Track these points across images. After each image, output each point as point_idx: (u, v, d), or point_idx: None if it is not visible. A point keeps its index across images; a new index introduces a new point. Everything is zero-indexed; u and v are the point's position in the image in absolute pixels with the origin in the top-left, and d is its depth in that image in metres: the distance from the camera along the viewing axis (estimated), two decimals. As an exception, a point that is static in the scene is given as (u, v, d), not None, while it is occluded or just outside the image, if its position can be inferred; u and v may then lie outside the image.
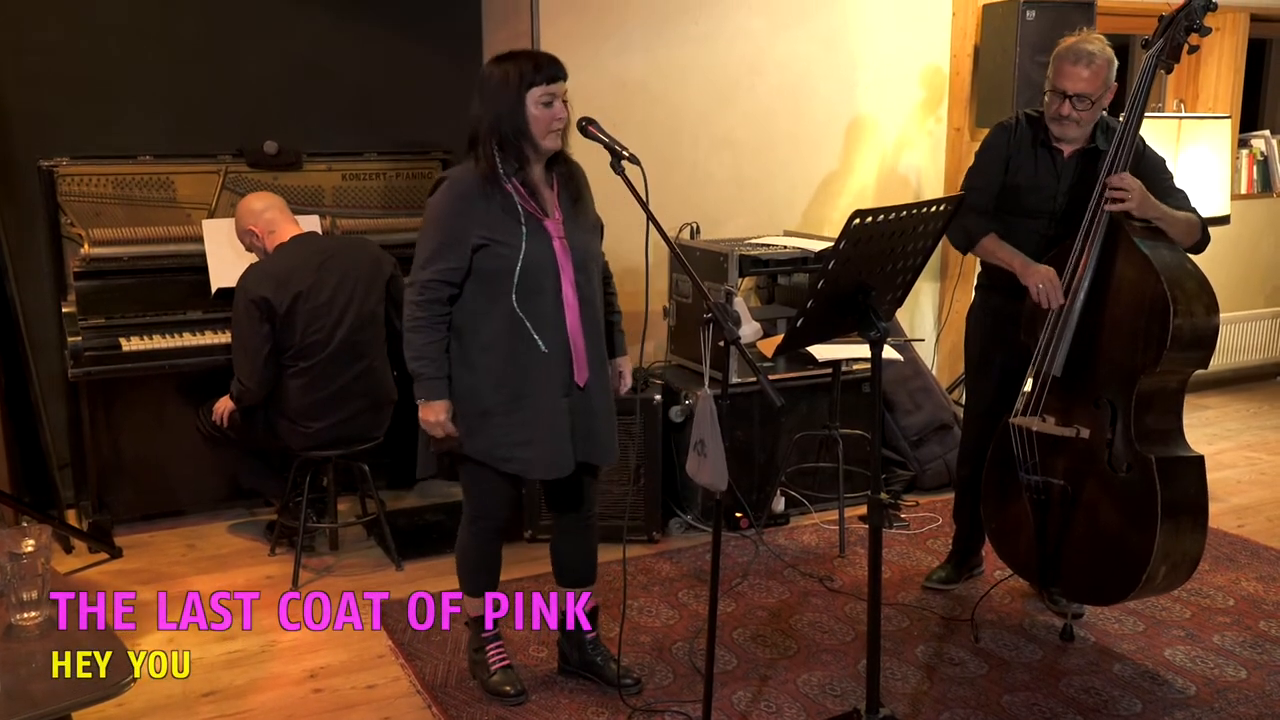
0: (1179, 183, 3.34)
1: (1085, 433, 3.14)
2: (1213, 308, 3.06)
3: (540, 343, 2.75)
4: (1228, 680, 3.16)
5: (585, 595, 3.11)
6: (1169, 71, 3.18)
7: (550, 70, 2.71)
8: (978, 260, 3.50)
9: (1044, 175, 3.32)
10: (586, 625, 3.12)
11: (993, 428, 3.41)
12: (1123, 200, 3.05)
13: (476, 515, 2.97)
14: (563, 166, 2.83)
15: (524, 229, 2.72)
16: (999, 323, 3.43)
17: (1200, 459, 3.14)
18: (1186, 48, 3.13)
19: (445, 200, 2.75)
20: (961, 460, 3.70)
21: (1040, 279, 3.15)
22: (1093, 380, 3.13)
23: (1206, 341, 3.06)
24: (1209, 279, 3.10)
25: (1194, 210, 3.24)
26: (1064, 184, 3.30)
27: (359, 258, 3.75)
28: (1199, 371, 3.17)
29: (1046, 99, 3.25)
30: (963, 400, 3.86)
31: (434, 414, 2.78)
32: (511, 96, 2.69)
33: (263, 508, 4.27)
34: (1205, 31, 3.10)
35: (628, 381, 3.08)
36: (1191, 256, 3.16)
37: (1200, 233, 3.19)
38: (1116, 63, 3.20)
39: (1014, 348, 3.37)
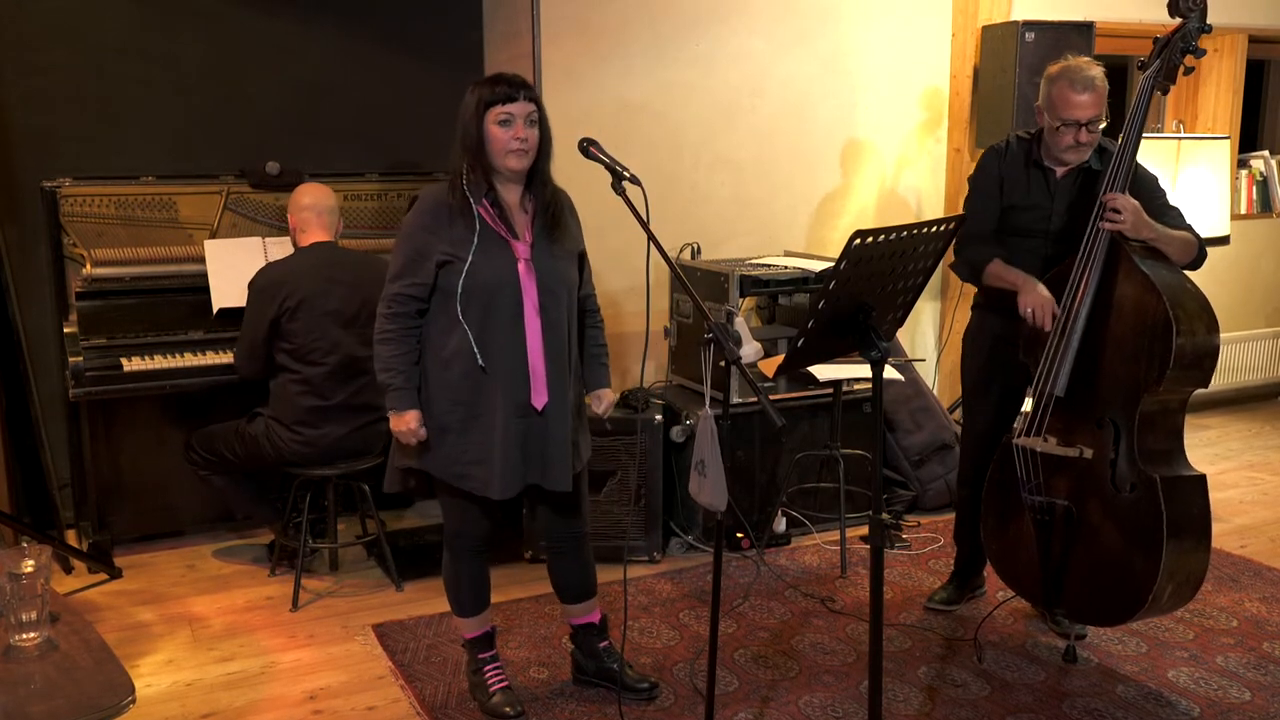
0: (1179, 203, 3.35)
1: (1088, 453, 3.14)
2: (1213, 326, 3.07)
3: (479, 356, 2.76)
4: (1231, 702, 3.14)
5: (589, 611, 3.15)
6: (1165, 93, 3.21)
7: (505, 90, 2.74)
8: None
9: (1038, 195, 3.34)
10: (592, 620, 3.15)
11: (993, 448, 3.40)
12: (1117, 221, 3.07)
13: (454, 534, 2.99)
14: (540, 190, 2.84)
15: (474, 244, 2.73)
16: (998, 343, 3.44)
17: (1203, 477, 3.14)
18: (1182, 69, 3.16)
19: (414, 217, 2.82)
20: (961, 481, 3.69)
21: (1032, 303, 3.16)
22: (1095, 400, 3.13)
23: (1208, 360, 3.07)
24: (1209, 299, 3.11)
25: (1189, 227, 3.25)
26: (1058, 204, 3.32)
27: (370, 275, 3.77)
28: (1200, 391, 3.18)
29: (1056, 130, 3.22)
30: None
31: (403, 424, 2.81)
32: (471, 117, 2.76)
33: (262, 528, 4.25)
34: (1200, 53, 3.13)
35: (601, 407, 3.06)
36: (1191, 275, 3.17)
37: (1197, 250, 3.21)
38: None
39: (1014, 367, 3.37)
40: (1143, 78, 3.17)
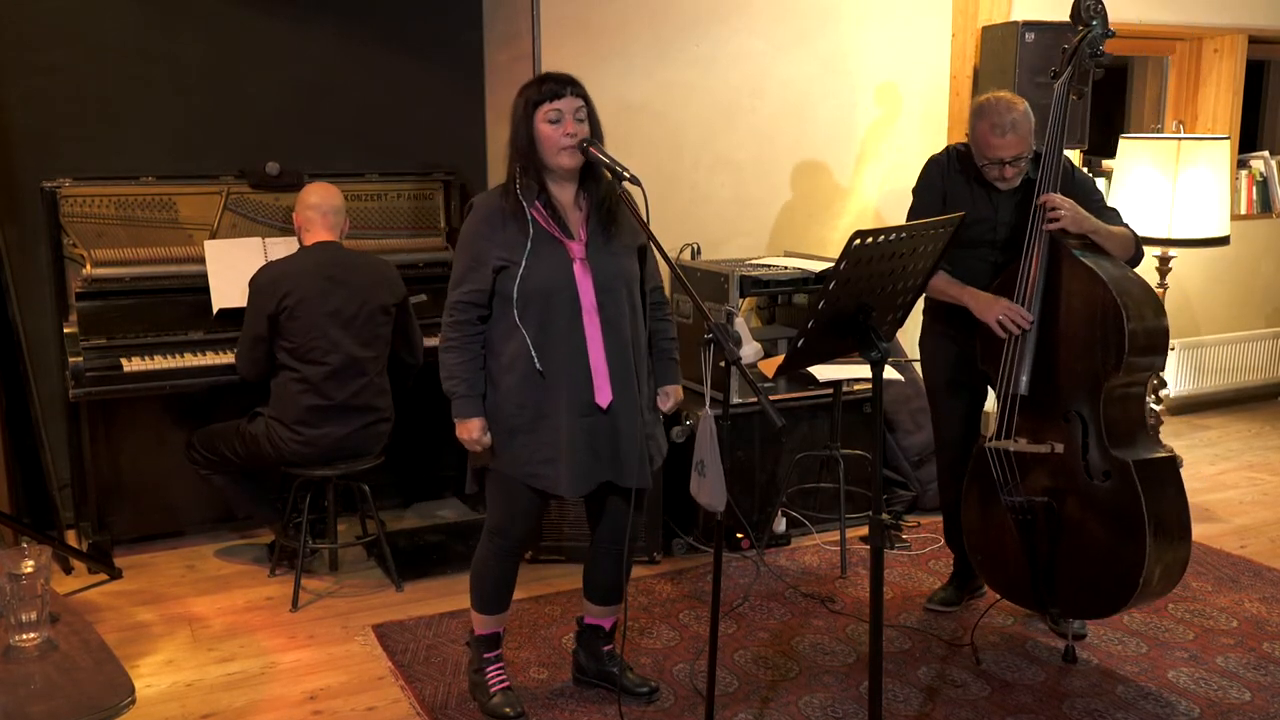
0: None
1: (1059, 447, 3.19)
2: (1160, 310, 3.18)
3: (536, 360, 2.76)
4: (1231, 702, 3.14)
5: (609, 615, 3.15)
6: (1080, 97, 3.38)
7: (552, 87, 2.75)
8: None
9: (981, 208, 3.39)
10: (605, 623, 3.15)
11: (968, 451, 3.43)
12: (1057, 218, 3.15)
13: (494, 531, 2.97)
14: (594, 187, 2.84)
15: (528, 248, 2.74)
16: (959, 345, 3.47)
17: (1173, 457, 3.21)
18: (1092, 73, 3.31)
19: (470, 224, 2.83)
20: (943, 485, 3.69)
21: (998, 312, 3.22)
22: (1058, 395, 3.19)
23: (1160, 344, 3.17)
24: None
25: (1127, 225, 3.36)
26: (1002, 215, 3.38)
27: (373, 276, 3.77)
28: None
29: (982, 166, 3.33)
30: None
31: (467, 432, 2.83)
32: (522, 119, 2.77)
33: (262, 529, 4.25)
34: (1106, 57, 3.28)
35: (667, 405, 3.03)
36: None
37: (1135, 247, 3.32)
38: (1031, 111, 3.29)
39: (974, 368, 3.42)
40: (1056, 85, 3.29)
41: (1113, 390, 3.13)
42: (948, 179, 3.45)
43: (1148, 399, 3.43)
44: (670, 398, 3.03)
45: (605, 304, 2.80)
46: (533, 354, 2.77)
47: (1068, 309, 3.17)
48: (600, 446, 2.84)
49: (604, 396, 2.81)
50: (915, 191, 3.53)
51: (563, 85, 2.75)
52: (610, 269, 2.82)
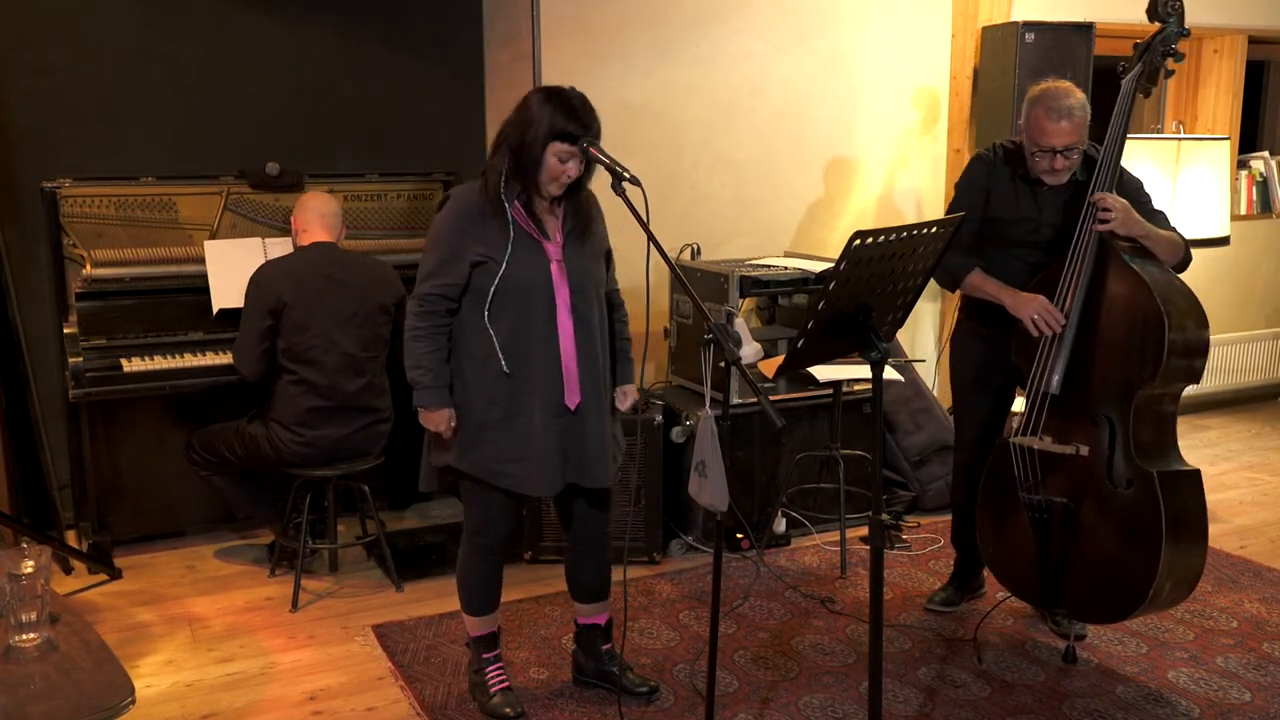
0: (1179, 204, 3.36)
1: (1084, 450, 3.16)
2: (1203, 321, 3.12)
3: (504, 362, 2.77)
4: (1231, 703, 3.14)
5: (599, 612, 3.15)
6: (1147, 95, 3.29)
7: (578, 130, 2.71)
8: None
9: (1026, 208, 3.35)
10: (599, 620, 3.15)
11: (986, 450, 3.41)
12: (1108, 219, 3.10)
13: (474, 531, 2.99)
14: (575, 194, 2.86)
15: (509, 247, 2.75)
16: (988, 345, 3.45)
17: (1197, 472, 3.16)
18: (1163, 72, 3.23)
19: (447, 217, 2.83)
20: (957, 484, 3.68)
21: (1033, 310, 3.18)
22: (1089, 397, 3.15)
23: (1199, 354, 3.12)
24: (1209, 299, 3.12)
25: (1175, 229, 3.30)
26: (1046, 215, 3.33)
27: (370, 276, 3.77)
28: (1200, 392, 3.20)
29: (1034, 156, 3.25)
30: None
31: (434, 423, 2.84)
32: (537, 136, 2.72)
33: (262, 529, 4.25)
34: (1179, 57, 3.21)
35: (625, 404, 3.06)
36: (1190, 274, 3.18)
37: (1183, 252, 3.25)
38: (1088, 101, 3.25)
39: (1004, 368, 3.39)
40: (1124, 81, 3.23)
41: (1145, 399, 3.08)
42: (993, 176, 3.38)
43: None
44: (628, 397, 3.07)
45: (579, 305, 2.84)
46: (500, 355, 2.78)
47: (1109, 312, 3.12)
48: (569, 447, 2.86)
49: (573, 398, 2.84)
50: (958, 186, 3.48)
51: (586, 130, 2.72)
52: (583, 271, 2.86)
